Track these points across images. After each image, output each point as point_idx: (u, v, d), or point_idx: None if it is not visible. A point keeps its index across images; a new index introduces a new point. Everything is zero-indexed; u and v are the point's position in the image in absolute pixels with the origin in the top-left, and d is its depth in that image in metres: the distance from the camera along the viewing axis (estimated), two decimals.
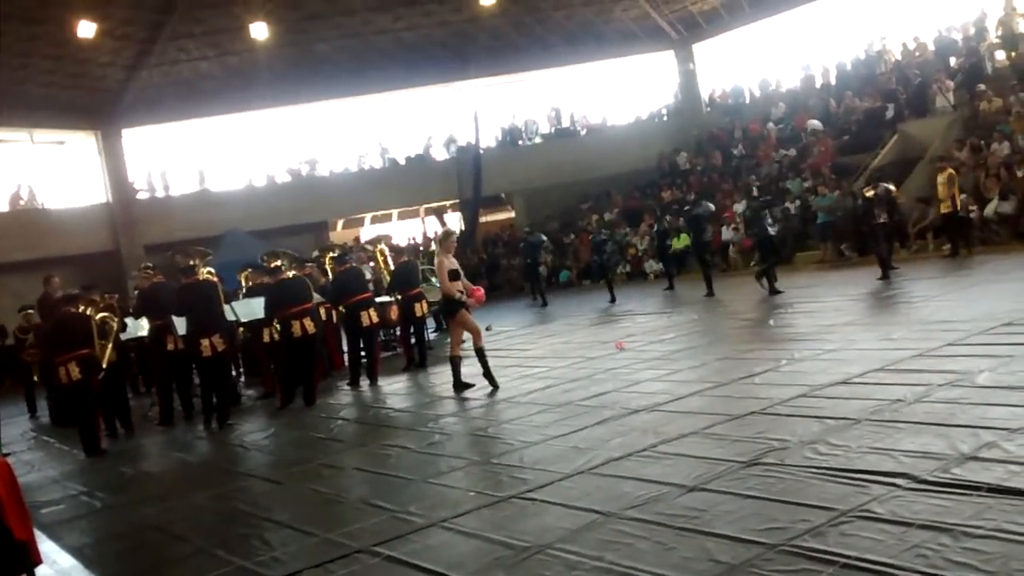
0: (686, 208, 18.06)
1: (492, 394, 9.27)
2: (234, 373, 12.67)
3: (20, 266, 20.39)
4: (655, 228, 21.63)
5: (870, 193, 14.52)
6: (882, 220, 14.33)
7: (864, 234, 15.68)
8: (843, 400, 6.54)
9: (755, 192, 20.20)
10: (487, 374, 9.56)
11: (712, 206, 17.95)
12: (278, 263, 11.07)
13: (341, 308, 12.38)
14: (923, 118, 20.28)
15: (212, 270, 10.99)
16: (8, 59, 20.72)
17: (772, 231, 15.37)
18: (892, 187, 15.04)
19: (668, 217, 20.91)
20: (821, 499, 4.54)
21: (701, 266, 16.73)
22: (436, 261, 10.04)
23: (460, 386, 9.72)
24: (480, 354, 9.58)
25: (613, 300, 17.83)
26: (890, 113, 21.18)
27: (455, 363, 9.82)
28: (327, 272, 13.54)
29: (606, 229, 23.72)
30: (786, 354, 8.79)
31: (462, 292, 9.54)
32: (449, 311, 9.84)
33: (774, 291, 14.29)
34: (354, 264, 13.00)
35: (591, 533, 4.61)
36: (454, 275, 9.57)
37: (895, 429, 5.57)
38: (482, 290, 12.08)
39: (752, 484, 4.96)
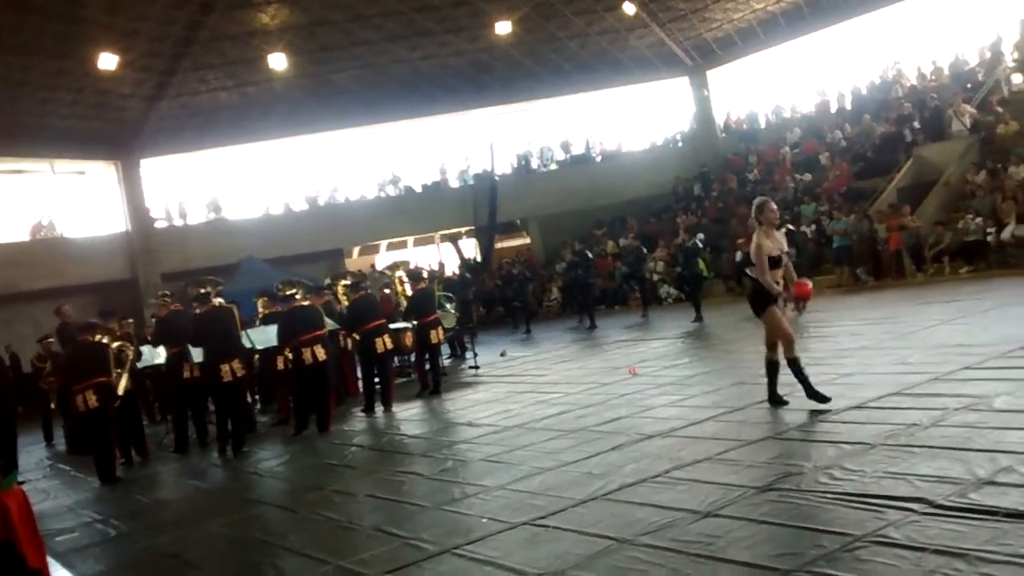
0: (565, 268, 20.51)
1: (817, 403, 7.32)
2: (250, 399, 12.71)
3: (40, 295, 20.55)
4: (565, 269, 21.47)
5: (689, 243, 15.33)
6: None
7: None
8: (858, 425, 6.50)
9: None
10: (808, 389, 7.46)
11: (592, 256, 20.73)
12: (292, 291, 11.15)
13: (355, 335, 12.41)
14: (939, 142, 20.22)
15: (222, 300, 11.06)
16: (32, 92, 21.08)
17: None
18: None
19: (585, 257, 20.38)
20: (836, 524, 4.50)
21: (584, 304, 19.43)
22: (754, 243, 7.63)
23: (775, 400, 7.73)
24: (794, 364, 7.55)
25: (700, 319, 16.20)
26: (907, 137, 21.13)
27: (771, 369, 7.76)
28: (340, 300, 13.60)
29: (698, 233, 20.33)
30: None
31: (780, 284, 7.57)
32: (759, 305, 7.71)
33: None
34: (369, 291, 13.03)
35: (605, 559, 4.58)
36: (774, 262, 7.58)
37: (911, 454, 5.52)
38: (810, 284, 10.20)
39: (767, 510, 4.93)
